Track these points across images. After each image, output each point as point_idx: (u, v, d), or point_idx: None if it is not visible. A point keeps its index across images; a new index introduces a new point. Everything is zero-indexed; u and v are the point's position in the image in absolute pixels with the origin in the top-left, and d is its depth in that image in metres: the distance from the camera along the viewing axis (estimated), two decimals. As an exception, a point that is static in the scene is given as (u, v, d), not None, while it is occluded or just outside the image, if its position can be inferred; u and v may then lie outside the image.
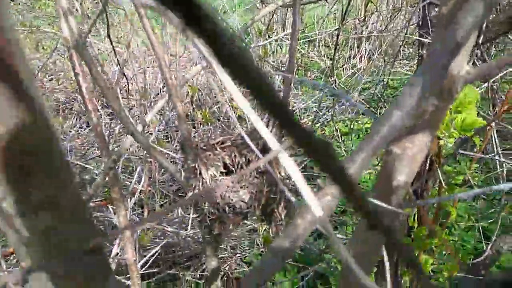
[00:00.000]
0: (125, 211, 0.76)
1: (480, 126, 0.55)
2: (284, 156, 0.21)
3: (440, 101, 0.30)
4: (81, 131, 2.78)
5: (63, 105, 3.09)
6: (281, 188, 0.56)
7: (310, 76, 4.09)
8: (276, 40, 3.58)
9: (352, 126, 3.21)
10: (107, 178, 0.78)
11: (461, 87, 0.30)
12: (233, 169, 0.59)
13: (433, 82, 0.28)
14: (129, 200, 1.12)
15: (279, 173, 0.58)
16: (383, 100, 3.28)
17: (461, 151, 0.71)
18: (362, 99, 3.46)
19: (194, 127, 2.45)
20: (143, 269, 1.31)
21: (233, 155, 0.59)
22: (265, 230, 1.65)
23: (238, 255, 1.83)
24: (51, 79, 3.41)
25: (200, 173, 0.57)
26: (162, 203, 1.99)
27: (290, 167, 0.22)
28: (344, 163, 0.30)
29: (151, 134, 1.05)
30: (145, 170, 1.15)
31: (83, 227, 0.30)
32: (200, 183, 0.58)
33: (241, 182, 0.57)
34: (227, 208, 0.57)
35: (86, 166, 1.41)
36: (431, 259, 0.84)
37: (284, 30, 4.08)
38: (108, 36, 0.91)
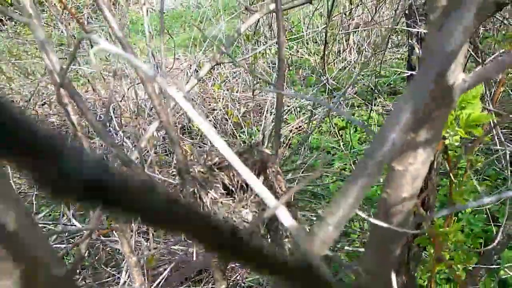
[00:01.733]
0: (128, 240, 0.75)
1: (486, 121, 0.54)
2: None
3: (438, 113, 0.29)
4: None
5: (59, 129, 3.08)
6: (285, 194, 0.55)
7: (301, 74, 4.08)
8: (264, 45, 3.58)
9: (348, 120, 3.20)
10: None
11: (458, 96, 0.28)
12: (233, 189, 0.58)
13: (427, 96, 0.27)
14: (133, 222, 1.10)
15: (280, 189, 0.57)
16: (377, 91, 3.27)
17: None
18: (355, 92, 3.45)
19: (192, 139, 2.44)
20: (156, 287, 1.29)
21: (231, 174, 0.58)
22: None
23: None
24: (44, 104, 3.40)
25: (200, 197, 0.56)
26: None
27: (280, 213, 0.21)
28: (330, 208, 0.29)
29: (149, 151, 1.04)
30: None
31: None
32: (201, 207, 0.57)
33: (242, 202, 0.56)
34: (231, 230, 0.56)
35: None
36: (447, 255, 0.83)
37: (271, 31, 4.08)
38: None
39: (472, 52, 1.24)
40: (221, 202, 0.57)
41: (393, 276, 0.42)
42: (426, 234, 0.90)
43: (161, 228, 0.14)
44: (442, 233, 0.89)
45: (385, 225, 0.30)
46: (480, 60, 1.18)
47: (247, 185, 0.58)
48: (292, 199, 0.60)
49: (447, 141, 0.57)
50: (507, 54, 0.25)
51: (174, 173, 1.87)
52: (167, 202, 0.13)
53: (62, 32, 2.64)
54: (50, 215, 2.14)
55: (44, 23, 3.28)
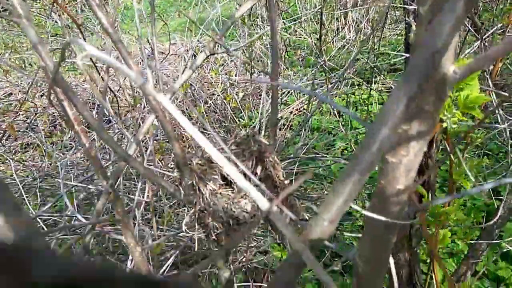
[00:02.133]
0: (132, 230, 0.76)
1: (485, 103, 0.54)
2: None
3: (429, 106, 0.28)
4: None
5: (59, 119, 3.08)
6: (282, 193, 0.55)
7: (300, 55, 4.04)
8: (260, 27, 3.53)
9: (349, 100, 3.19)
10: (108, 200, 0.77)
11: (449, 88, 0.28)
12: (232, 179, 0.59)
13: (418, 90, 0.27)
14: (136, 211, 1.12)
15: (279, 178, 0.57)
16: (376, 69, 3.24)
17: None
18: (355, 71, 3.42)
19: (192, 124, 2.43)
20: (162, 273, 1.32)
21: (229, 163, 0.58)
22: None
23: (252, 246, 1.85)
24: (42, 95, 3.39)
25: (199, 189, 0.57)
26: (170, 204, 1.99)
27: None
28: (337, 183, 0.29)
29: (149, 140, 1.04)
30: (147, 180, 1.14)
31: None
32: (201, 199, 0.57)
33: (241, 192, 0.56)
34: (231, 221, 0.57)
35: (89, 186, 1.40)
36: (449, 233, 0.84)
37: (268, 12, 4.01)
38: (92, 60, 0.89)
39: (470, 28, 1.22)
40: (220, 193, 0.58)
41: (391, 262, 0.43)
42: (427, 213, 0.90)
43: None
44: (443, 212, 0.90)
45: (381, 218, 0.31)
46: (478, 36, 1.17)
47: (245, 175, 0.58)
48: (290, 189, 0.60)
49: (445, 124, 0.56)
50: (499, 43, 0.24)
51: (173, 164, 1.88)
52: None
53: (56, 22, 2.61)
54: (55, 206, 2.16)
55: (38, 13, 3.24)
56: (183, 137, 2.25)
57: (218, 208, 0.57)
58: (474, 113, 0.58)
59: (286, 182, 0.62)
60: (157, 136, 2.15)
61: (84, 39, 0.88)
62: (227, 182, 0.60)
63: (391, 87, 3.17)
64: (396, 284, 0.48)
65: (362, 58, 3.48)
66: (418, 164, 0.31)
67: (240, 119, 2.69)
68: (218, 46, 0.71)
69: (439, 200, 0.35)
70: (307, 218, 0.57)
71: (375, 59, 3.27)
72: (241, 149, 0.57)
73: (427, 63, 0.26)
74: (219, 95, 2.53)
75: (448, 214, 0.87)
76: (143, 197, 1.12)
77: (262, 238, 1.87)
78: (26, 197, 1.85)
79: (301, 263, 0.33)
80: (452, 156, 0.74)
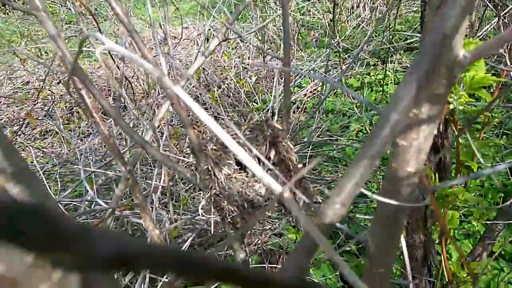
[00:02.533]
0: (150, 214, 0.78)
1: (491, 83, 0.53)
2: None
3: (439, 90, 0.29)
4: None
5: (76, 106, 3.13)
6: (295, 176, 0.56)
7: (313, 35, 3.98)
8: (272, 9, 3.48)
9: (363, 80, 3.14)
10: (127, 185, 0.80)
11: (458, 72, 0.28)
12: (246, 164, 0.60)
13: (428, 75, 0.27)
14: (154, 196, 1.15)
15: (292, 162, 0.58)
16: (392, 49, 3.18)
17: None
18: (370, 51, 3.36)
19: (206, 110, 2.45)
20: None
21: (243, 149, 0.59)
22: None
23: (267, 228, 1.87)
24: (59, 82, 3.44)
25: (215, 174, 0.58)
26: (186, 188, 2.03)
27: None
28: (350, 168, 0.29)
29: (164, 126, 1.05)
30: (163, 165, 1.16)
31: None
32: (216, 184, 0.58)
33: (255, 176, 0.58)
34: (245, 204, 0.58)
35: (107, 172, 1.44)
36: (457, 214, 0.84)
37: (280, -8, 3.94)
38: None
39: (488, 3, 1.18)
40: (235, 178, 0.59)
41: (403, 243, 0.44)
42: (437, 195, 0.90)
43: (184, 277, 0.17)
44: (451, 193, 0.89)
45: (392, 202, 0.31)
46: (497, 12, 1.13)
47: (259, 159, 0.60)
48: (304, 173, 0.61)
49: (451, 106, 0.56)
50: (508, 29, 0.24)
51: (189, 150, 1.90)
52: (180, 259, 0.16)
53: (69, 9, 2.63)
54: (75, 191, 2.22)
55: (51, 0, 3.26)
56: (197, 122, 2.27)
57: (233, 192, 0.58)
58: (481, 94, 0.58)
59: (300, 165, 0.63)
60: (172, 121, 2.18)
61: (99, 27, 0.89)
62: (242, 167, 0.61)
63: (407, 67, 3.10)
64: (408, 265, 0.49)
65: (378, 37, 3.41)
66: (428, 147, 0.32)
67: (253, 103, 2.69)
68: (230, 31, 0.71)
69: (451, 182, 0.35)
70: (320, 200, 0.58)
71: (390, 38, 3.20)
72: (254, 134, 0.58)
73: (437, 49, 0.26)
74: (232, 80, 2.52)
75: (456, 194, 0.87)
76: (159, 182, 1.15)
77: (276, 220, 1.89)
78: (47, 183, 1.90)
79: (314, 245, 0.34)
80: (459, 139, 0.73)
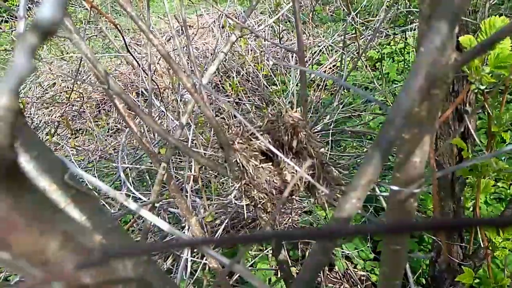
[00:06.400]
0: (185, 203, 0.85)
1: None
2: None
3: (435, 92, 0.32)
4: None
5: (103, 104, 3.24)
6: (318, 164, 0.61)
7: (329, 9, 3.92)
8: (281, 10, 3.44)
9: (382, 51, 3.10)
10: (163, 178, 0.86)
11: (451, 75, 0.32)
12: (270, 154, 0.64)
13: (425, 80, 0.30)
14: (186, 186, 1.22)
15: (314, 149, 0.62)
16: (410, 16, 3.10)
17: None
18: (388, 20, 3.28)
19: (227, 96, 2.50)
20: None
21: (267, 141, 0.64)
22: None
23: (296, 207, 1.93)
24: (83, 81, 3.56)
25: (243, 166, 0.63)
26: (215, 174, 2.10)
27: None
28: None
29: (191, 122, 1.10)
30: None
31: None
32: (245, 174, 0.64)
33: (280, 164, 0.62)
34: (274, 191, 0.63)
35: (139, 167, 1.52)
36: (491, 181, 0.85)
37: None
38: (128, 50, 0.96)
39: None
40: (262, 167, 0.64)
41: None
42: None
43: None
44: (483, 164, 0.91)
45: (402, 189, 0.36)
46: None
47: (283, 149, 0.64)
48: (325, 157, 0.65)
49: (473, 86, 0.58)
50: (500, 30, 0.27)
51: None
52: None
53: (87, 9, 2.69)
54: (111, 185, 2.35)
55: (68, 1, 3.34)
56: (219, 109, 2.33)
57: (261, 180, 0.63)
58: (505, 72, 0.59)
59: (322, 150, 0.67)
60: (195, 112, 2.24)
61: (123, 36, 0.94)
62: (267, 157, 0.66)
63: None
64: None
65: (395, 4, 3.32)
66: (429, 140, 0.35)
67: (273, 86, 2.72)
68: (245, 23, 0.75)
69: (479, 157, 0.39)
70: (343, 183, 0.63)
71: (409, 3, 3.11)
72: (276, 126, 0.63)
73: (431, 57, 0.30)
74: (250, 65, 2.55)
75: (489, 166, 0.88)
76: (190, 172, 1.22)
77: (305, 199, 1.94)
78: (86, 179, 2.02)
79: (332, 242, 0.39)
80: (489, 110, 0.74)
